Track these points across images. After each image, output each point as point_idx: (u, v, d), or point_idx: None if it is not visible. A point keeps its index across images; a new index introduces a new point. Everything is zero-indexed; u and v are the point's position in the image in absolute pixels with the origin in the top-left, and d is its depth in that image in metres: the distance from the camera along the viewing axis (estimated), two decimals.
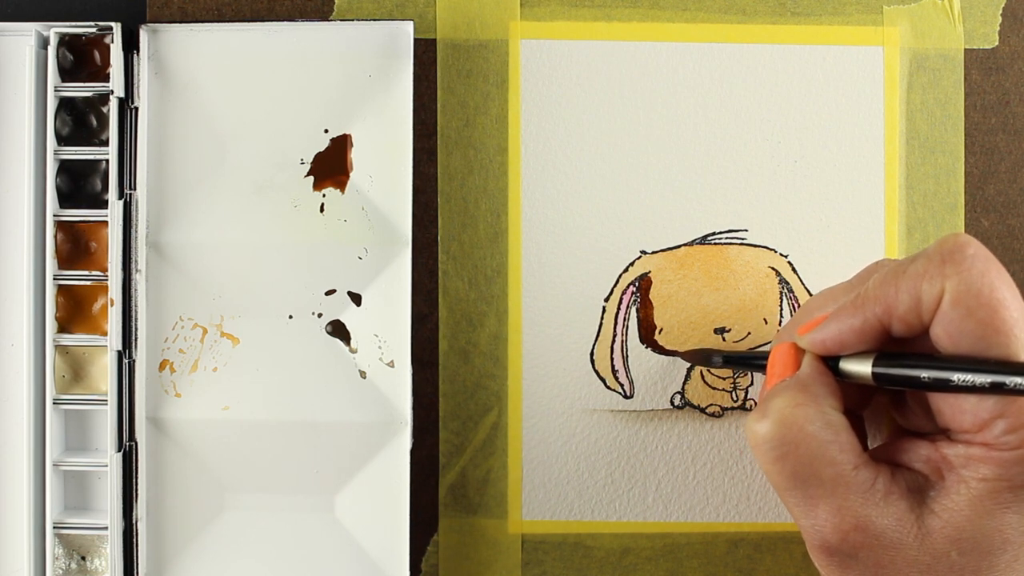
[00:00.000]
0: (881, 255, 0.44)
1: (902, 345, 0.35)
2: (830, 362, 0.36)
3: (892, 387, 0.35)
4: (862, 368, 0.35)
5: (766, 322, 0.44)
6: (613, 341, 0.44)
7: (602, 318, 0.44)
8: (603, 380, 0.44)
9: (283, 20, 0.43)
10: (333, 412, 0.43)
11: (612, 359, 0.44)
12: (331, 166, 0.43)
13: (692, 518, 0.44)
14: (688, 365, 0.44)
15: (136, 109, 0.43)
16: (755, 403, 0.44)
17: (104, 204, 0.43)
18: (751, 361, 0.41)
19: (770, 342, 0.44)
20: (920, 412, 0.36)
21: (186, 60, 0.43)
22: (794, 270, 0.44)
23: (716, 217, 0.44)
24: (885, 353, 0.35)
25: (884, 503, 0.33)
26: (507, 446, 0.44)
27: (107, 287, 0.43)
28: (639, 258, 0.44)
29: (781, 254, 0.44)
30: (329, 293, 0.43)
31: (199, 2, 0.44)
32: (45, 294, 0.43)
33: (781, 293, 0.44)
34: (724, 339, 0.44)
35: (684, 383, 0.44)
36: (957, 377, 0.32)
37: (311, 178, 0.43)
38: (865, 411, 0.39)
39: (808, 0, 0.44)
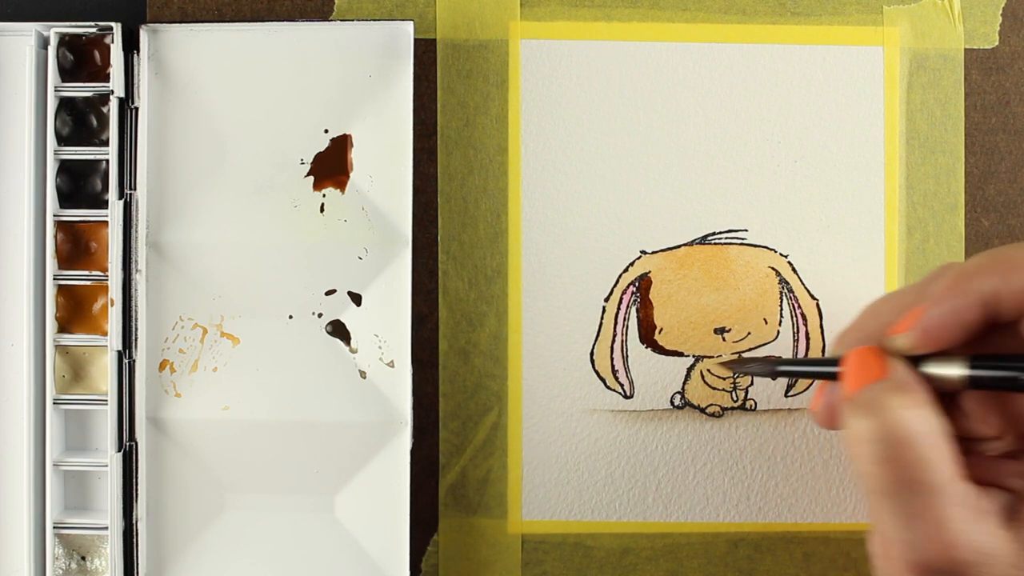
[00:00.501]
0: (881, 255, 0.44)
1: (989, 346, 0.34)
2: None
3: (989, 389, 0.33)
4: (952, 370, 0.33)
5: (766, 322, 0.44)
6: (613, 341, 0.44)
7: (602, 318, 0.44)
8: (603, 380, 0.44)
9: (283, 20, 0.43)
10: (333, 412, 0.43)
11: (612, 359, 0.44)
12: (331, 166, 0.43)
13: (692, 518, 0.44)
14: (688, 365, 0.44)
15: (136, 109, 0.43)
16: (755, 403, 0.44)
17: (104, 204, 0.43)
18: (812, 370, 0.39)
19: (764, 345, 0.44)
20: (984, 420, 0.35)
21: (186, 60, 0.43)
22: (794, 270, 0.44)
23: (716, 217, 0.44)
24: (980, 356, 0.33)
25: (982, 519, 0.31)
26: (507, 446, 0.44)
27: (107, 287, 0.43)
28: (639, 258, 0.44)
29: (781, 254, 0.44)
30: (329, 293, 0.43)
31: (199, 2, 0.44)
32: (45, 294, 0.43)
33: (781, 293, 0.44)
34: (724, 339, 0.44)
35: (684, 383, 0.44)
36: None
37: (311, 178, 0.43)
38: None
39: (808, 0, 0.44)
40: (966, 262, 0.33)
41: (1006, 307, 0.32)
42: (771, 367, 0.39)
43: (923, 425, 0.32)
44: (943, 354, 0.34)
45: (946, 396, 0.34)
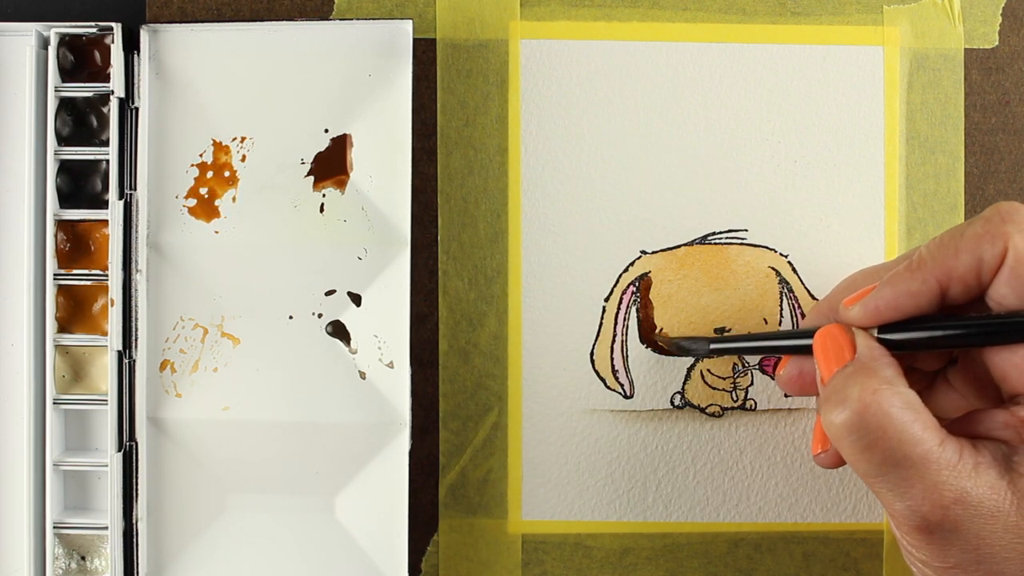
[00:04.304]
0: (881, 255, 0.44)
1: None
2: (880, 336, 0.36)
3: (956, 347, 0.35)
4: (916, 335, 0.35)
5: (766, 322, 0.44)
6: (613, 341, 0.44)
7: (602, 318, 0.44)
8: (603, 380, 0.44)
9: (283, 20, 0.43)
10: (333, 413, 0.43)
11: (612, 359, 0.44)
12: (331, 166, 0.43)
13: (692, 518, 0.44)
14: (688, 365, 0.44)
15: (136, 109, 0.43)
16: (755, 403, 0.44)
17: (104, 204, 0.43)
18: (750, 346, 0.40)
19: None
20: (969, 387, 0.37)
21: (186, 60, 0.43)
22: (794, 270, 0.44)
23: (716, 217, 0.44)
24: (934, 317, 0.35)
25: (975, 474, 0.33)
26: (507, 446, 0.44)
27: (107, 287, 0.43)
28: (639, 258, 0.44)
29: (781, 254, 0.44)
30: (329, 293, 0.43)
31: (199, 2, 0.44)
32: (45, 294, 0.43)
33: (781, 293, 0.44)
34: None
35: (684, 383, 0.44)
36: None
37: (311, 178, 0.43)
38: None
39: (808, 0, 0.44)
40: (922, 248, 0.35)
41: (952, 292, 0.35)
42: (706, 344, 0.41)
43: (896, 403, 0.33)
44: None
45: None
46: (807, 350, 0.38)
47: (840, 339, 0.36)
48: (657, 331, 0.44)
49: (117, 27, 0.42)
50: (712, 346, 0.41)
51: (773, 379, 0.44)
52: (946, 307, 0.35)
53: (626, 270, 0.44)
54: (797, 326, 0.44)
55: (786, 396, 0.44)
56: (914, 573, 0.35)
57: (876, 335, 0.36)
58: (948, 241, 0.34)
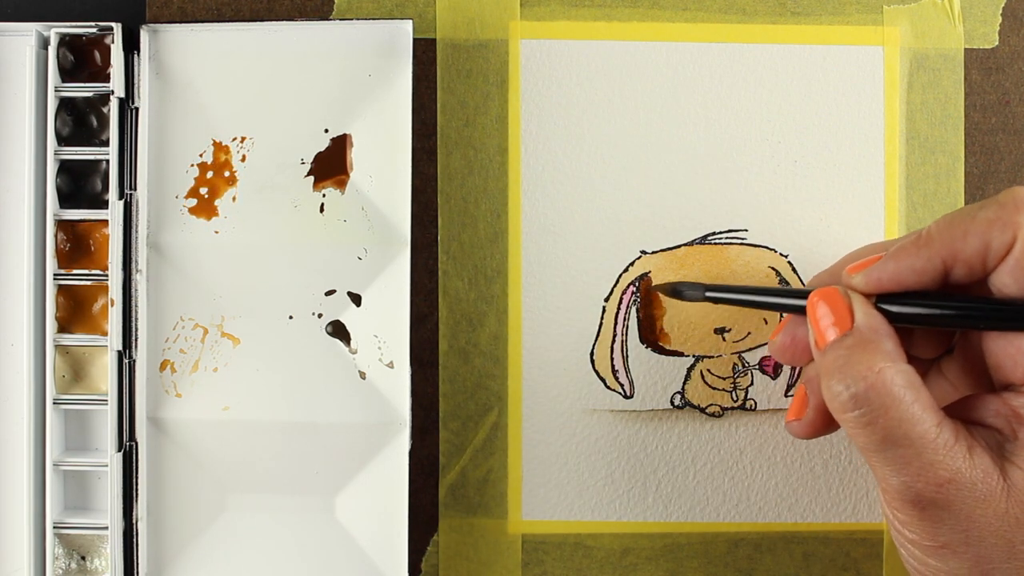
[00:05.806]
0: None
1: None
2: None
3: (951, 327, 0.36)
4: (914, 310, 0.35)
5: (766, 322, 0.44)
6: (613, 341, 0.44)
7: (602, 318, 0.44)
8: (603, 380, 0.44)
9: (283, 20, 0.43)
10: (333, 413, 0.43)
11: (612, 359, 0.44)
12: (331, 166, 0.43)
13: (692, 518, 0.44)
14: (688, 365, 0.44)
15: (136, 109, 0.43)
16: (755, 403, 0.44)
17: (104, 204, 0.43)
18: (751, 299, 0.40)
19: (764, 344, 0.44)
20: (963, 377, 0.37)
21: (186, 60, 0.43)
22: (794, 270, 0.44)
23: (716, 217, 0.44)
24: (935, 293, 0.35)
25: (971, 457, 0.33)
26: (507, 446, 0.44)
27: (107, 287, 0.43)
28: (639, 258, 0.44)
29: (781, 254, 0.44)
30: (329, 293, 0.43)
31: (199, 2, 0.44)
32: (45, 294, 0.43)
33: None
34: (724, 339, 0.44)
35: (684, 383, 0.44)
36: None
37: (311, 178, 0.43)
38: None
39: (808, 0, 0.44)
40: (931, 224, 0.35)
41: (956, 274, 0.35)
42: (701, 290, 0.40)
43: (898, 382, 0.33)
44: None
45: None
46: (802, 311, 0.38)
47: (837, 301, 0.36)
48: (651, 284, 0.44)
49: (117, 27, 0.42)
50: (708, 293, 0.40)
51: (773, 379, 0.44)
52: (948, 286, 0.35)
53: (626, 270, 0.44)
54: None
55: (786, 395, 0.44)
56: (903, 557, 0.35)
57: (875, 304, 0.36)
58: (958, 222, 0.34)
